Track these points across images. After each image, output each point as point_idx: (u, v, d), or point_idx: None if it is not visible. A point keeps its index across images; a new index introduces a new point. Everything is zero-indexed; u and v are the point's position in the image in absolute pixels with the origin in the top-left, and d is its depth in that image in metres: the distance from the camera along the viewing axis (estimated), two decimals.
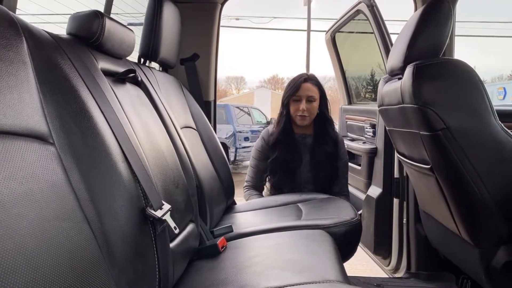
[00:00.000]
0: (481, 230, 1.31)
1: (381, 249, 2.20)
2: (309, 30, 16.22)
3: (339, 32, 2.85)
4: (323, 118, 1.95)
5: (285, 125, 1.91)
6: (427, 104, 1.31)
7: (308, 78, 1.91)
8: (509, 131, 1.31)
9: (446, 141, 1.28)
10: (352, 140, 2.72)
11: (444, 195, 1.41)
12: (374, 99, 3.02)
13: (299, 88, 1.88)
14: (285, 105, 1.92)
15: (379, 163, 2.25)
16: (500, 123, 1.30)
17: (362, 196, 2.45)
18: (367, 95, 3.16)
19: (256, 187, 1.95)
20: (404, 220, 2.07)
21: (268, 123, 11.00)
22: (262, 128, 10.76)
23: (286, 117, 1.93)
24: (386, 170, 2.17)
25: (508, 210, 1.26)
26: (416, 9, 1.97)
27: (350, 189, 2.46)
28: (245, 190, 1.95)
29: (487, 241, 1.31)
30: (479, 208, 1.29)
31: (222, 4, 2.04)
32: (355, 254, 2.52)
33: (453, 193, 1.35)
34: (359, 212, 2.49)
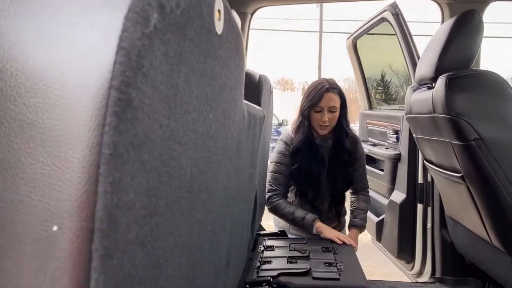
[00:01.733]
0: None
1: (404, 253, 2.23)
2: (321, 32, 16.22)
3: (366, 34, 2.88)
4: (340, 125, 1.85)
5: (307, 135, 1.82)
6: (460, 114, 1.34)
7: (330, 88, 1.79)
8: None
9: (479, 150, 1.31)
10: (374, 145, 2.75)
11: (475, 203, 1.43)
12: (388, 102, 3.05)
13: (321, 99, 1.76)
14: (306, 116, 1.81)
15: (402, 169, 2.27)
16: None
17: (384, 201, 2.47)
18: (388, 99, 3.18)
19: (285, 195, 1.87)
20: (429, 225, 2.10)
21: (279, 124, 11.01)
22: (273, 130, 10.79)
23: (307, 127, 1.83)
24: (410, 176, 2.20)
25: None
26: (443, 19, 2.00)
27: (372, 193, 2.47)
28: (276, 198, 1.83)
29: None
30: (511, 216, 1.32)
31: (252, 14, 2.09)
32: (366, 245, 2.52)
33: (485, 201, 1.38)
34: (382, 217, 2.52)
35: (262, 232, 1.41)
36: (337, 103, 1.78)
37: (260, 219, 1.67)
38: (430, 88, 1.55)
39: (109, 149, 0.28)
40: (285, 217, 1.78)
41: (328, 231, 1.66)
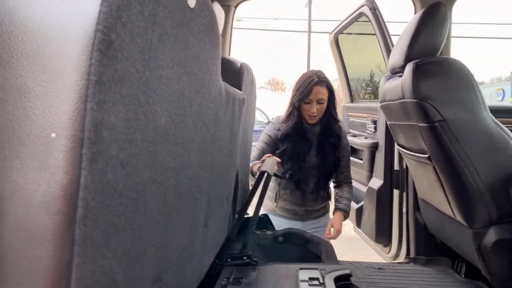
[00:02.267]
0: (474, 212, 1.45)
1: (381, 237, 2.34)
2: (309, 31, 16.36)
3: (342, 34, 2.99)
4: (329, 113, 2.02)
5: (296, 122, 1.98)
6: (425, 98, 1.45)
7: (318, 81, 1.92)
8: (499, 123, 1.45)
9: (443, 131, 1.42)
10: (354, 136, 2.86)
11: (441, 182, 1.54)
12: (372, 96, 3.16)
13: (311, 92, 1.90)
14: (297, 106, 1.96)
15: (380, 157, 2.39)
16: (491, 116, 1.44)
17: (363, 188, 2.58)
18: (366, 95, 3.29)
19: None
20: (404, 210, 2.21)
21: (269, 122, 11.13)
22: (263, 128, 10.89)
23: (297, 117, 1.98)
24: (386, 163, 2.31)
25: (497, 194, 1.40)
26: (416, 11, 2.11)
27: (353, 182, 2.58)
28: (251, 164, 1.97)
29: (479, 222, 1.45)
30: (472, 193, 1.43)
31: (236, 7, 2.17)
32: (357, 243, 2.64)
33: (448, 179, 1.49)
34: (361, 204, 2.63)
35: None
36: (325, 95, 1.94)
37: (246, 204, 1.75)
38: (400, 76, 1.65)
39: (95, 76, 0.37)
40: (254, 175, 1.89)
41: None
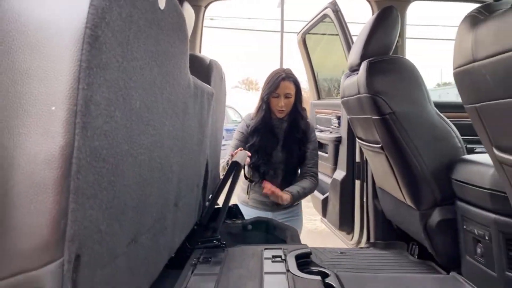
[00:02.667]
0: (421, 195, 1.62)
1: (345, 225, 2.50)
2: (282, 31, 16.58)
3: (309, 33, 3.15)
4: (296, 109, 2.13)
5: (264, 117, 2.09)
6: (378, 93, 1.60)
7: (286, 76, 2.05)
8: (442, 116, 1.62)
9: (392, 123, 1.58)
10: (321, 131, 3.01)
11: (393, 169, 1.71)
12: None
13: (278, 87, 2.03)
14: (265, 101, 2.08)
15: (343, 150, 2.55)
16: (436, 109, 1.61)
17: (328, 180, 2.74)
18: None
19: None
20: (364, 199, 2.38)
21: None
22: (235, 126, 10.98)
23: (265, 110, 2.09)
24: (349, 156, 2.47)
25: (440, 179, 1.57)
26: (373, 14, 2.27)
27: (319, 175, 2.74)
28: (223, 161, 2.09)
29: (425, 204, 1.62)
30: (418, 178, 1.59)
31: (206, 7, 2.28)
32: (325, 236, 2.78)
33: (399, 167, 1.65)
34: (326, 195, 2.79)
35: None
36: (292, 90, 2.07)
37: (216, 194, 1.86)
38: (357, 73, 1.81)
39: (85, 63, 0.47)
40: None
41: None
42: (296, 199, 2.08)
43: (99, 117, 0.52)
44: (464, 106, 1.07)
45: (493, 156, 1.04)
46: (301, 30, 3.16)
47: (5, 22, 0.47)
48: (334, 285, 1.30)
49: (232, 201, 2.31)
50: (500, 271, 1.26)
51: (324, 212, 2.78)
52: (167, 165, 0.91)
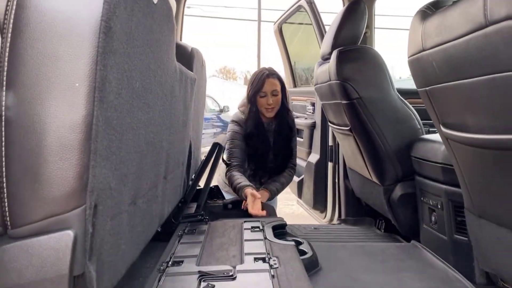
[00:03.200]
0: (384, 172, 1.79)
1: (318, 204, 2.67)
2: (259, 20, 16.61)
3: (286, 23, 3.27)
4: (283, 107, 2.13)
5: (256, 119, 2.08)
6: (346, 79, 1.75)
7: (269, 74, 2.05)
8: (404, 100, 1.79)
9: (359, 107, 1.74)
10: (297, 117, 3.16)
11: (360, 150, 1.87)
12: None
13: (264, 85, 2.02)
14: (253, 101, 2.07)
15: (317, 134, 2.71)
16: (398, 94, 1.78)
17: (303, 163, 2.90)
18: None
19: (241, 166, 2.08)
20: (336, 179, 2.55)
21: (221, 110, 11.27)
22: (215, 116, 11.01)
23: (255, 112, 2.07)
24: (322, 140, 2.64)
25: (402, 157, 1.75)
26: (344, 5, 2.42)
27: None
28: (230, 170, 2.03)
29: (389, 180, 1.79)
30: (383, 156, 1.77)
31: None
32: (302, 219, 2.92)
33: (365, 147, 1.82)
34: (302, 177, 2.96)
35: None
36: (278, 87, 2.07)
37: (200, 172, 1.97)
38: (328, 61, 1.95)
39: (101, 49, 0.59)
40: (230, 182, 2.03)
41: (251, 204, 1.81)
42: (274, 196, 2.14)
43: (111, 93, 0.64)
44: (418, 90, 1.23)
45: (441, 133, 1.20)
46: (278, 20, 3.29)
47: (36, 14, 0.58)
48: (307, 250, 1.46)
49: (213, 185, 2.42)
50: (450, 235, 1.45)
51: (300, 193, 2.95)
52: (158, 141, 1.03)
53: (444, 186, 1.45)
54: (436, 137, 1.59)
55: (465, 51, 0.90)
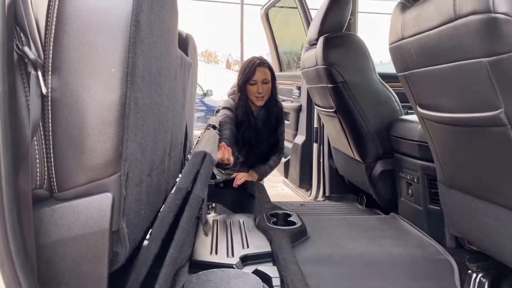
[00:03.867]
0: (366, 150, 1.94)
1: (304, 183, 2.82)
2: (242, 4, 16.45)
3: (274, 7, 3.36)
4: (272, 96, 2.20)
5: (246, 108, 2.14)
6: (332, 64, 1.88)
7: (260, 63, 2.10)
8: (385, 83, 1.93)
9: (344, 90, 1.87)
10: (283, 101, 3.29)
11: (344, 130, 2.01)
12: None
13: (255, 73, 2.07)
14: (243, 90, 2.12)
15: (303, 117, 2.84)
16: (379, 78, 1.91)
17: (290, 145, 3.04)
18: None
19: (230, 146, 2.07)
20: (321, 159, 2.70)
21: (204, 94, 11.27)
22: (198, 100, 11.01)
23: (245, 100, 2.13)
24: (308, 122, 2.77)
25: (382, 136, 1.90)
26: None
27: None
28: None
29: (370, 157, 1.94)
30: (365, 136, 1.91)
31: None
32: (284, 195, 3.05)
33: (349, 127, 1.96)
34: (288, 158, 3.10)
35: None
36: (268, 76, 2.13)
37: (189, 153, 2.10)
38: (315, 47, 2.07)
39: (132, 39, 0.70)
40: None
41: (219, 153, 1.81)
42: (262, 177, 2.24)
43: (139, 77, 0.75)
44: (397, 74, 1.36)
45: (417, 113, 1.35)
46: (264, 5, 3.37)
47: (76, 10, 0.68)
48: (296, 221, 1.60)
49: None
50: (425, 205, 1.61)
51: (286, 173, 3.10)
52: (166, 120, 1.14)
53: (420, 162, 1.60)
54: (413, 117, 1.74)
55: (437, 40, 1.03)
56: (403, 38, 1.22)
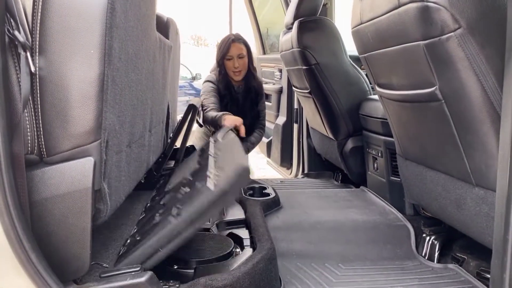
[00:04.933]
0: (338, 128, 2.07)
1: (285, 162, 2.96)
2: None
3: None
4: (249, 71, 2.33)
5: (226, 82, 2.29)
6: (306, 47, 1.99)
7: (235, 39, 2.25)
8: (355, 65, 2.05)
9: (317, 72, 1.99)
10: (266, 83, 3.40)
11: (318, 110, 2.14)
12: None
13: (230, 48, 2.22)
14: (221, 64, 2.27)
15: (284, 99, 2.96)
16: (350, 60, 2.04)
17: (272, 126, 3.17)
18: None
19: (218, 110, 2.17)
20: (301, 139, 2.83)
21: (193, 78, 11.28)
22: (187, 83, 11.03)
23: (224, 74, 2.28)
24: (288, 103, 2.89)
25: (352, 115, 2.03)
26: None
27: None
28: (207, 109, 2.13)
29: (341, 135, 2.08)
30: (336, 115, 2.04)
31: None
32: (266, 169, 3.16)
33: (322, 107, 2.09)
34: (270, 138, 3.23)
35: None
36: (243, 51, 2.27)
37: (178, 130, 2.19)
38: (291, 31, 2.18)
39: (109, 24, 0.81)
40: (207, 120, 2.11)
41: (229, 120, 1.93)
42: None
43: (115, 58, 0.86)
44: (359, 56, 1.49)
45: (377, 92, 1.48)
46: None
47: None
48: (270, 193, 1.74)
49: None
50: (387, 177, 1.76)
51: (269, 153, 3.23)
52: (145, 98, 1.26)
53: (383, 137, 1.74)
54: None
55: (387, 25, 1.15)
56: (362, 23, 1.34)
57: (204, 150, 1.52)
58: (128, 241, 1.14)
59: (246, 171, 0.98)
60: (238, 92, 2.39)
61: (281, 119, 2.98)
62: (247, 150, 2.43)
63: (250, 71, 2.36)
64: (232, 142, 1.46)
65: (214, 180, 1.03)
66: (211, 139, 1.60)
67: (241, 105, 2.38)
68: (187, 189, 1.20)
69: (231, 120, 1.94)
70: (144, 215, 1.35)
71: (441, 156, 1.19)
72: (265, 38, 3.72)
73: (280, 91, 3.04)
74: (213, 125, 2.08)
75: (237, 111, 2.33)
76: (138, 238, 1.07)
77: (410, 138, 1.36)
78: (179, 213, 1.00)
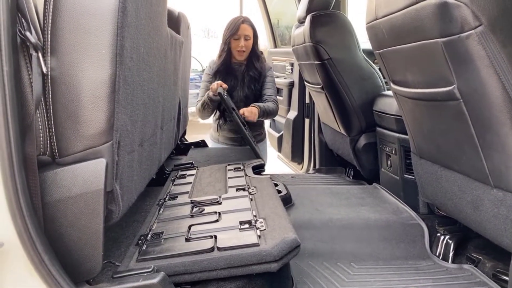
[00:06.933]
0: (351, 125, 2.05)
1: (296, 157, 2.94)
2: None
3: None
4: (253, 52, 2.34)
5: (225, 58, 2.31)
6: (319, 42, 1.96)
7: (244, 20, 2.28)
8: (369, 60, 2.01)
9: (330, 67, 1.96)
10: (277, 77, 3.37)
11: (331, 105, 2.11)
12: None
13: (238, 29, 2.25)
14: (227, 42, 2.29)
15: (295, 93, 2.93)
16: (363, 55, 2.00)
17: (283, 120, 3.14)
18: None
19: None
20: (312, 134, 2.81)
21: (203, 71, 11.27)
22: (197, 76, 11.06)
23: (227, 52, 2.31)
24: (300, 98, 2.86)
25: (365, 111, 2.00)
26: None
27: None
28: (200, 97, 2.28)
29: (354, 131, 2.05)
30: (349, 111, 2.01)
31: None
32: (277, 164, 3.16)
33: (335, 103, 2.06)
34: (281, 133, 3.21)
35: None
36: (250, 32, 2.28)
37: (184, 128, 2.20)
38: (304, 25, 2.15)
39: (120, 24, 0.80)
40: (204, 106, 2.19)
41: (212, 87, 2.05)
42: (262, 112, 2.18)
43: (127, 58, 0.85)
44: (373, 52, 1.45)
45: (391, 89, 1.45)
46: None
47: None
48: (281, 190, 1.72)
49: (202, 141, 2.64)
50: (401, 175, 1.73)
51: (279, 148, 3.21)
52: (156, 96, 1.25)
53: (397, 135, 1.71)
54: None
55: (403, 21, 1.12)
56: (376, 19, 1.31)
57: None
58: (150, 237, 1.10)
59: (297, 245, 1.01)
60: (237, 70, 2.37)
61: (292, 114, 2.96)
62: (263, 107, 2.23)
63: (254, 53, 2.36)
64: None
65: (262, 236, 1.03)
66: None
67: (242, 81, 2.36)
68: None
69: (214, 86, 2.06)
70: (161, 210, 1.31)
71: (458, 156, 1.16)
72: (275, 29, 3.68)
73: (291, 85, 3.01)
74: (209, 105, 2.17)
75: (236, 87, 2.33)
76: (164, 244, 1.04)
77: (425, 137, 1.33)
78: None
